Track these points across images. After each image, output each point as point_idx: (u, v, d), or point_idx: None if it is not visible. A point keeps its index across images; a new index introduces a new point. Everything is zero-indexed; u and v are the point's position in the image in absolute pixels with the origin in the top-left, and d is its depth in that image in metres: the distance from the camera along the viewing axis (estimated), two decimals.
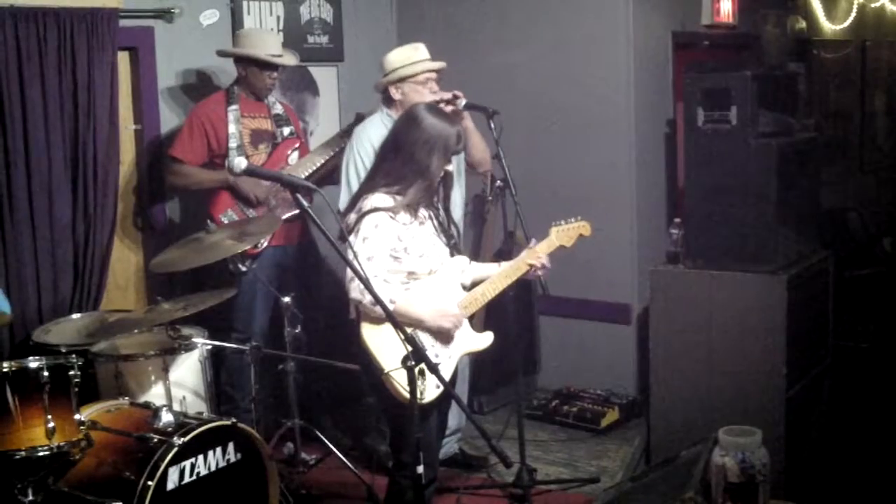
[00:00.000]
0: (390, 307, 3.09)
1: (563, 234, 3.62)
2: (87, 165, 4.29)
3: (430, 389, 3.20)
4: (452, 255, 3.49)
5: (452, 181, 3.57)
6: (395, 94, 4.15)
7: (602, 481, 4.42)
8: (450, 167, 3.39)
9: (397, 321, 2.84)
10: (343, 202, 4.10)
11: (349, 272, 3.07)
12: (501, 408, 5.30)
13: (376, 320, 3.18)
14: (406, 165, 3.29)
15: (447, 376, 3.32)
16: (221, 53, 4.65)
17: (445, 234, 3.48)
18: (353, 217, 3.29)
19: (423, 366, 2.82)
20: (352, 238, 3.23)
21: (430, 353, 3.25)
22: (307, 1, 5.39)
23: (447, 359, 3.38)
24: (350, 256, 3.10)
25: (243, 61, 4.56)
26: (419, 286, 3.33)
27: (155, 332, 4.02)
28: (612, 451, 4.80)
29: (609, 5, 5.19)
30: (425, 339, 3.31)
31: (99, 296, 4.42)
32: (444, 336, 3.35)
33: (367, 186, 3.36)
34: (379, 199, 3.27)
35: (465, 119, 4.16)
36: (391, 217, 3.25)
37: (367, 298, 3.00)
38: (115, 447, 3.32)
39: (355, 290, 3.14)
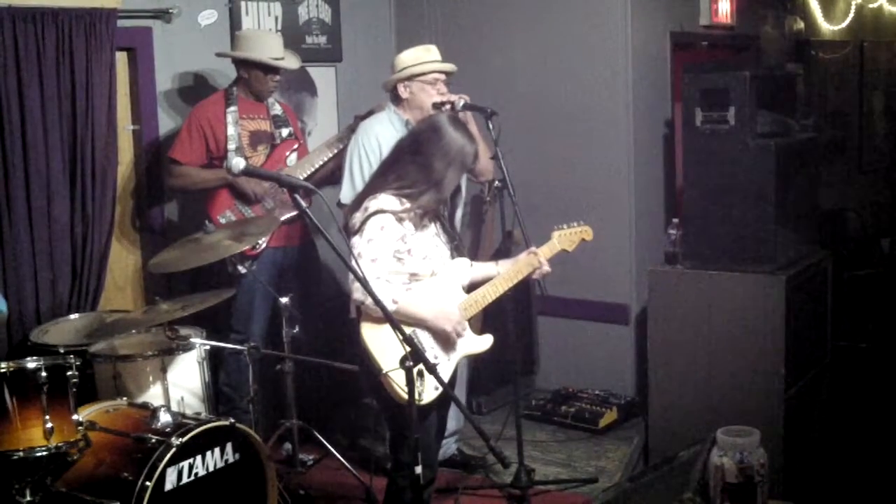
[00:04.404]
0: (393, 307, 3.10)
1: (566, 238, 3.63)
2: (85, 166, 4.28)
3: (428, 391, 3.20)
4: (453, 256, 3.49)
5: (461, 194, 3.58)
6: (404, 92, 4.17)
7: (600, 481, 4.42)
8: (461, 181, 3.39)
9: (397, 323, 2.83)
10: (345, 195, 4.12)
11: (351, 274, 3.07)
12: (500, 408, 5.29)
13: (377, 320, 3.17)
14: (421, 172, 3.28)
15: (447, 378, 3.31)
16: (223, 55, 4.64)
17: (448, 236, 3.48)
18: (358, 216, 3.27)
19: (422, 367, 2.82)
20: (356, 238, 3.22)
21: (430, 355, 3.25)
22: (305, 1, 5.39)
23: (446, 361, 3.37)
24: (353, 256, 3.09)
25: (245, 64, 4.54)
26: (420, 287, 3.33)
27: (153, 332, 4.02)
28: (611, 452, 4.80)
29: (608, 6, 5.19)
30: (425, 341, 3.31)
31: (97, 296, 4.42)
32: (444, 337, 3.35)
33: (377, 185, 3.33)
34: (386, 200, 3.25)
35: (471, 124, 4.17)
36: (396, 217, 3.24)
37: (370, 300, 2.99)
38: (114, 448, 3.32)
39: (358, 291, 3.13)
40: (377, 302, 2.84)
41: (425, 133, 3.35)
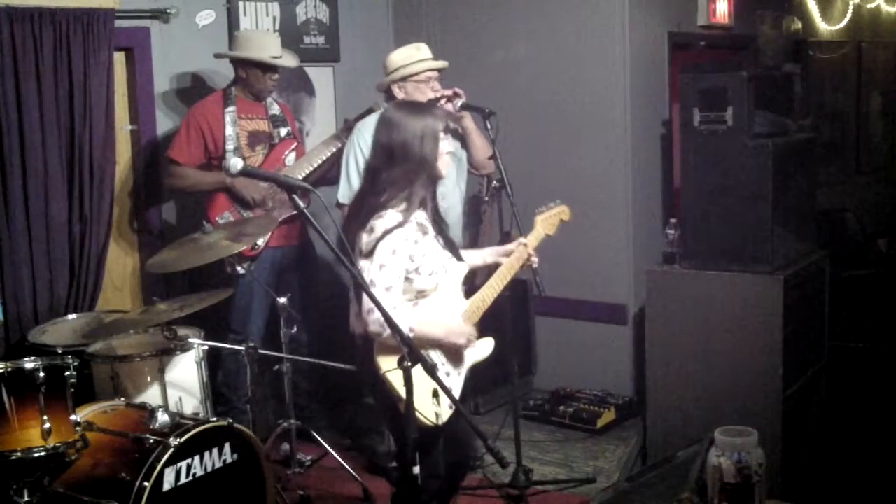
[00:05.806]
0: (410, 335, 3.00)
1: (547, 221, 3.60)
2: (83, 166, 4.28)
3: (444, 410, 3.18)
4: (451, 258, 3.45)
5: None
6: (398, 93, 4.18)
7: (598, 482, 4.42)
8: (449, 148, 3.34)
9: (419, 354, 2.78)
10: (342, 194, 4.11)
11: (366, 303, 2.97)
12: (498, 408, 5.28)
13: (392, 350, 3.03)
14: (406, 164, 3.24)
15: (459, 390, 3.31)
16: (222, 56, 4.63)
17: (444, 238, 3.44)
18: (366, 238, 3.17)
19: (436, 387, 2.81)
20: (366, 263, 3.12)
21: (443, 371, 3.24)
22: (303, 1, 5.39)
23: (457, 375, 3.37)
24: (365, 280, 3.01)
25: (244, 64, 4.54)
26: (427, 304, 3.29)
27: (151, 332, 4.01)
28: (609, 452, 4.80)
29: (606, 6, 5.19)
30: (437, 358, 3.28)
31: (95, 296, 4.42)
32: (454, 352, 3.34)
33: (379, 202, 3.22)
34: (392, 217, 3.18)
35: (466, 118, 4.18)
36: (404, 235, 3.16)
37: (388, 332, 2.92)
38: (111, 448, 3.32)
39: (375, 324, 3.03)
40: (403, 339, 2.78)
41: (386, 134, 3.25)
